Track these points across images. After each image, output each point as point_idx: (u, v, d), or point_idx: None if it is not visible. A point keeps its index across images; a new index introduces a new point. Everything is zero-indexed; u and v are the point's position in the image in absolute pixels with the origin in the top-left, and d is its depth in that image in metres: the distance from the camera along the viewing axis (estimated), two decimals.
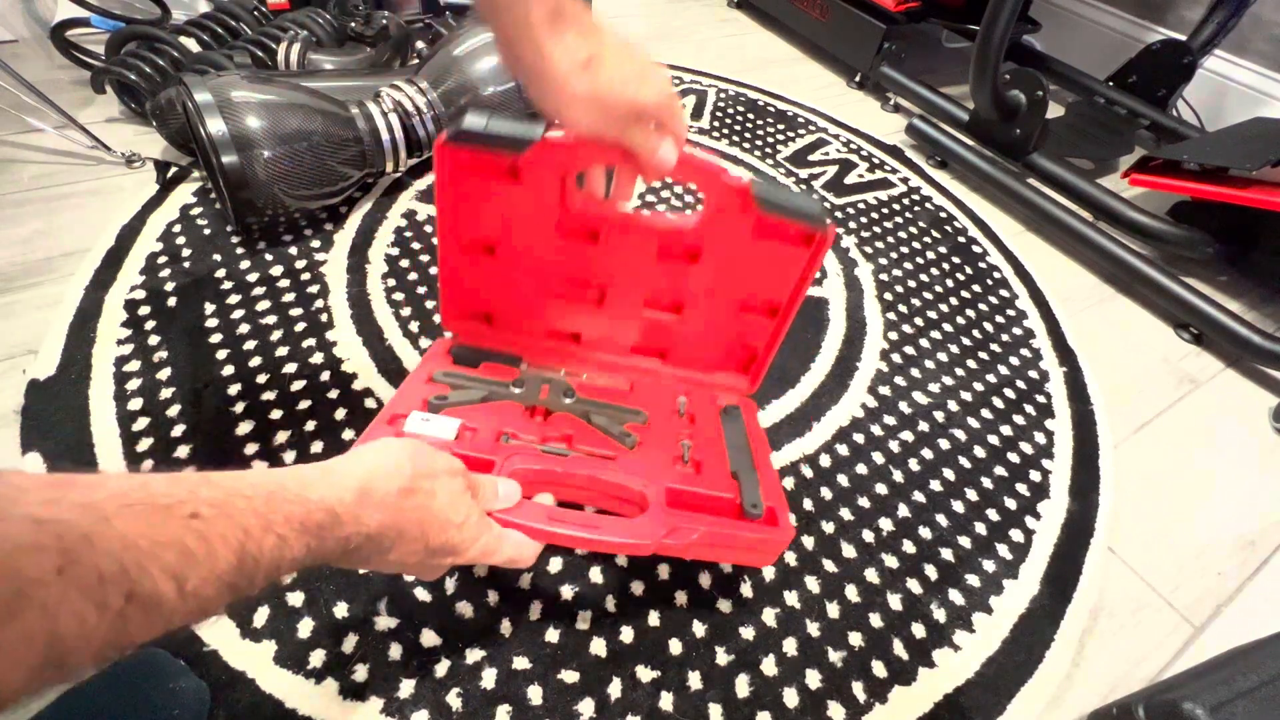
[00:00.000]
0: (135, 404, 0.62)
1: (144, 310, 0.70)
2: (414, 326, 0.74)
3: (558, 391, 0.54)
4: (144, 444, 0.59)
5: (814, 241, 0.50)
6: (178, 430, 0.60)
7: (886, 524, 0.64)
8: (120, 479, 0.24)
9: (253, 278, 0.75)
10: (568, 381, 0.55)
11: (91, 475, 0.24)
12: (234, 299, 0.73)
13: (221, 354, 0.67)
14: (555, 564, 0.56)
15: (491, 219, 0.51)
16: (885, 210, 1.05)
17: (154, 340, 0.67)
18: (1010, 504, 0.68)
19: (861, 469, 0.68)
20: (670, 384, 0.61)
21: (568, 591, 0.54)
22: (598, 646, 0.52)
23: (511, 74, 0.80)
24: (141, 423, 0.60)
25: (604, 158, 0.46)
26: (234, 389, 0.64)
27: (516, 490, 0.44)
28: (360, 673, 0.48)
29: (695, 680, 0.51)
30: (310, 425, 0.62)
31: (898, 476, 0.68)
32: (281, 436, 0.61)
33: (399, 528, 0.34)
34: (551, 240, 0.52)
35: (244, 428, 0.61)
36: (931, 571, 0.61)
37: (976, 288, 0.94)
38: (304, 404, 0.64)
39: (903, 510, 0.65)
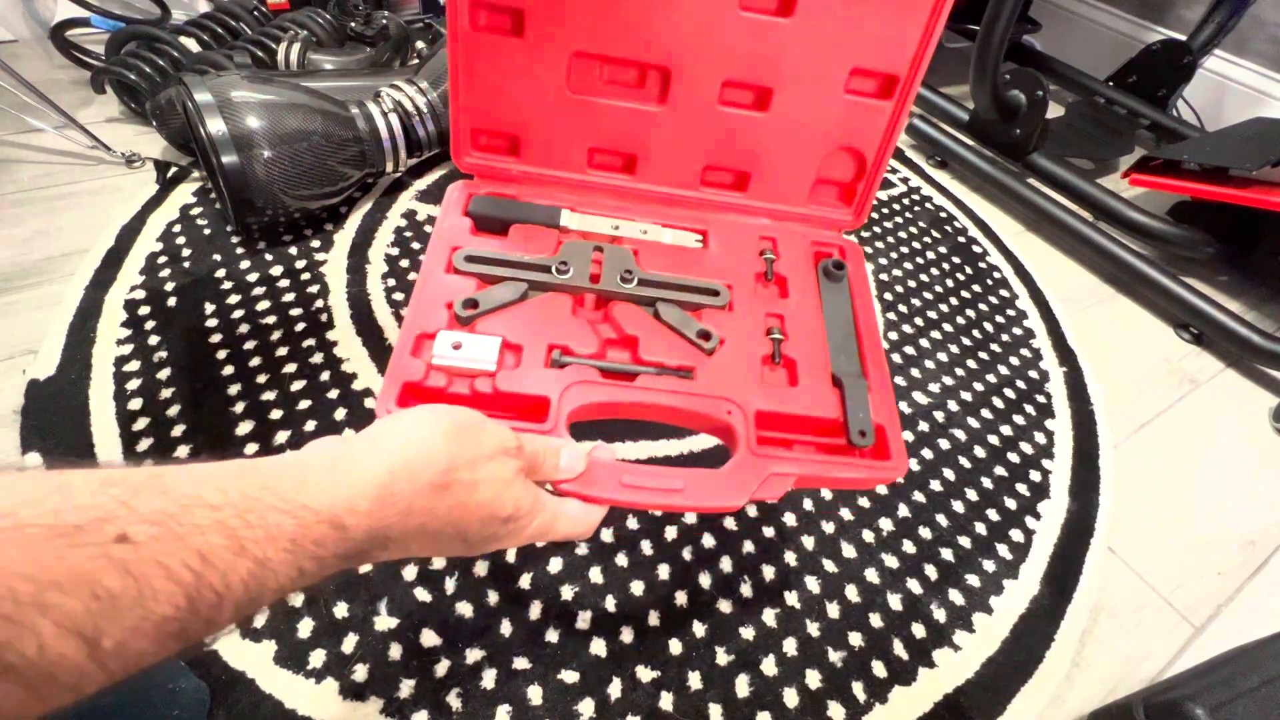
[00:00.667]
0: (135, 404, 0.62)
1: (144, 310, 0.70)
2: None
3: (613, 267, 0.44)
4: (144, 444, 0.59)
5: None
6: (178, 430, 0.60)
7: (886, 524, 0.64)
8: (29, 480, 0.18)
9: (253, 278, 0.75)
10: (624, 247, 0.45)
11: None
12: (234, 299, 0.73)
13: (221, 354, 0.67)
14: (555, 564, 0.56)
15: None
16: (885, 210, 1.05)
17: (154, 340, 0.67)
18: (1010, 504, 0.68)
19: None
20: (753, 226, 0.49)
21: (568, 592, 0.54)
22: (598, 646, 0.52)
23: None
24: (141, 423, 0.60)
25: None
26: (234, 389, 0.64)
27: (582, 459, 0.36)
28: (360, 673, 0.48)
29: (695, 680, 0.51)
30: (310, 425, 0.62)
31: None
32: (281, 436, 0.61)
33: (429, 530, 0.27)
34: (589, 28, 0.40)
35: (244, 428, 0.61)
36: (931, 571, 0.61)
37: (976, 288, 0.94)
38: (304, 404, 0.64)
39: (903, 510, 0.65)
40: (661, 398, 0.40)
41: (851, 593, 0.58)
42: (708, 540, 0.59)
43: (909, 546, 0.62)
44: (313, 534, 0.22)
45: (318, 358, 0.69)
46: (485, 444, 0.30)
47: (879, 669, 0.54)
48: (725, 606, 0.55)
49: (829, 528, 0.62)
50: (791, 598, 0.57)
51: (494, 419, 0.32)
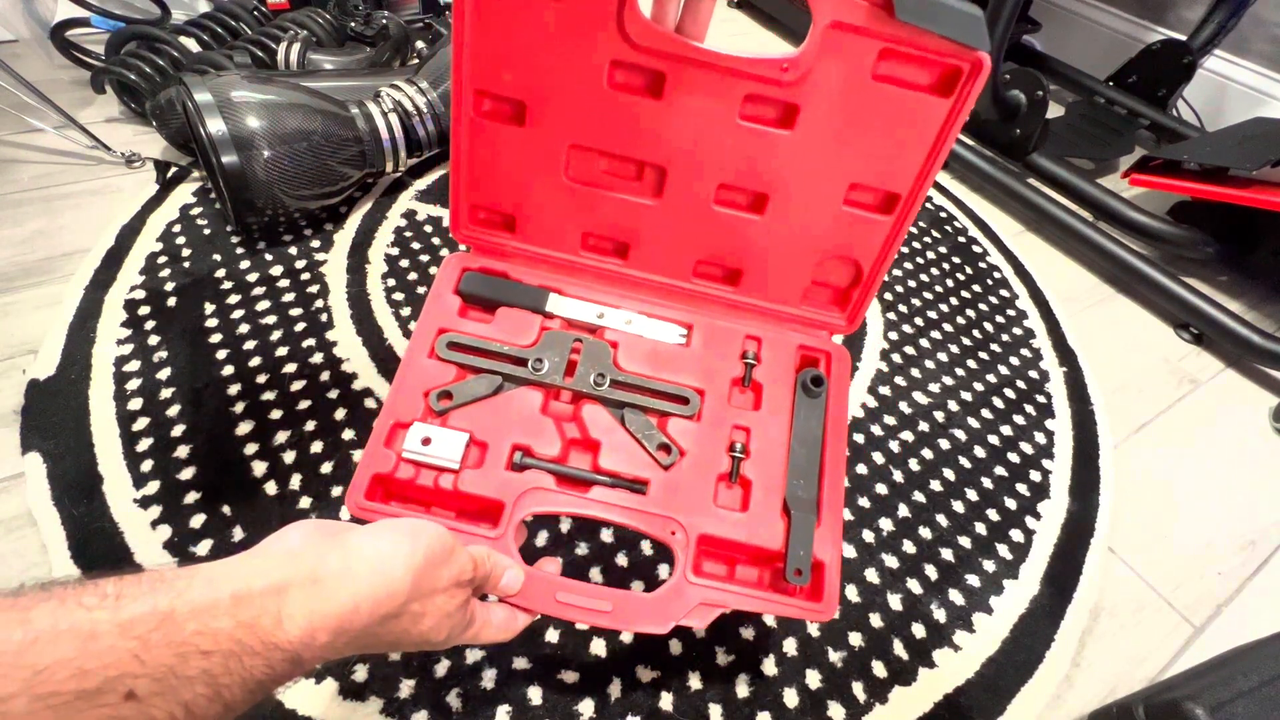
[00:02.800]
0: (135, 404, 0.62)
1: (144, 310, 0.70)
2: (414, 327, 0.73)
3: (589, 365, 0.45)
4: (144, 444, 0.59)
5: (959, 83, 0.37)
6: (178, 430, 0.60)
7: (886, 524, 0.64)
8: (62, 637, 0.20)
9: (253, 278, 0.75)
10: (603, 342, 0.46)
11: (18, 623, 0.20)
12: (234, 299, 0.73)
13: (221, 354, 0.67)
14: (555, 564, 0.56)
15: (523, 59, 0.40)
16: None
17: (154, 340, 0.67)
18: (1010, 504, 0.68)
19: (861, 469, 0.68)
20: (740, 323, 0.49)
21: None
22: (598, 646, 0.52)
23: None
24: (141, 423, 0.60)
25: None
26: (234, 389, 0.64)
27: (521, 580, 0.39)
28: (360, 673, 0.48)
29: (695, 680, 0.51)
30: (310, 425, 0.62)
31: (898, 476, 0.68)
32: (281, 436, 0.61)
33: (365, 648, 0.30)
34: (601, 93, 0.40)
35: (244, 428, 0.61)
36: (931, 571, 0.61)
37: (977, 288, 0.94)
38: (304, 404, 0.64)
39: (903, 510, 0.65)
40: (611, 512, 0.42)
41: (851, 593, 0.58)
42: None
43: (909, 546, 0.62)
44: (274, 672, 0.25)
45: (318, 358, 0.68)
46: (443, 578, 0.32)
47: (879, 669, 0.54)
48: None
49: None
50: None
51: (458, 543, 0.34)
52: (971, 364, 0.82)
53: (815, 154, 0.42)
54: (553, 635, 0.52)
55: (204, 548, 0.53)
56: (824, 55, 0.38)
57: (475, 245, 0.50)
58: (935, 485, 0.68)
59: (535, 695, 0.49)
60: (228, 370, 0.66)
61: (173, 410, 0.62)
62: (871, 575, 0.59)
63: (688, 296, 0.49)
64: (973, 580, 0.61)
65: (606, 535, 0.58)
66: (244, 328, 0.70)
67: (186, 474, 0.58)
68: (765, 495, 0.44)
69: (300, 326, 0.71)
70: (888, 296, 0.89)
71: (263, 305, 0.73)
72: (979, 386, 0.80)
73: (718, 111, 0.41)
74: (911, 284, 0.92)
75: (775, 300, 0.49)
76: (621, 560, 0.57)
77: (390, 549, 0.30)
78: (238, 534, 0.54)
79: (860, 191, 0.44)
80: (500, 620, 0.38)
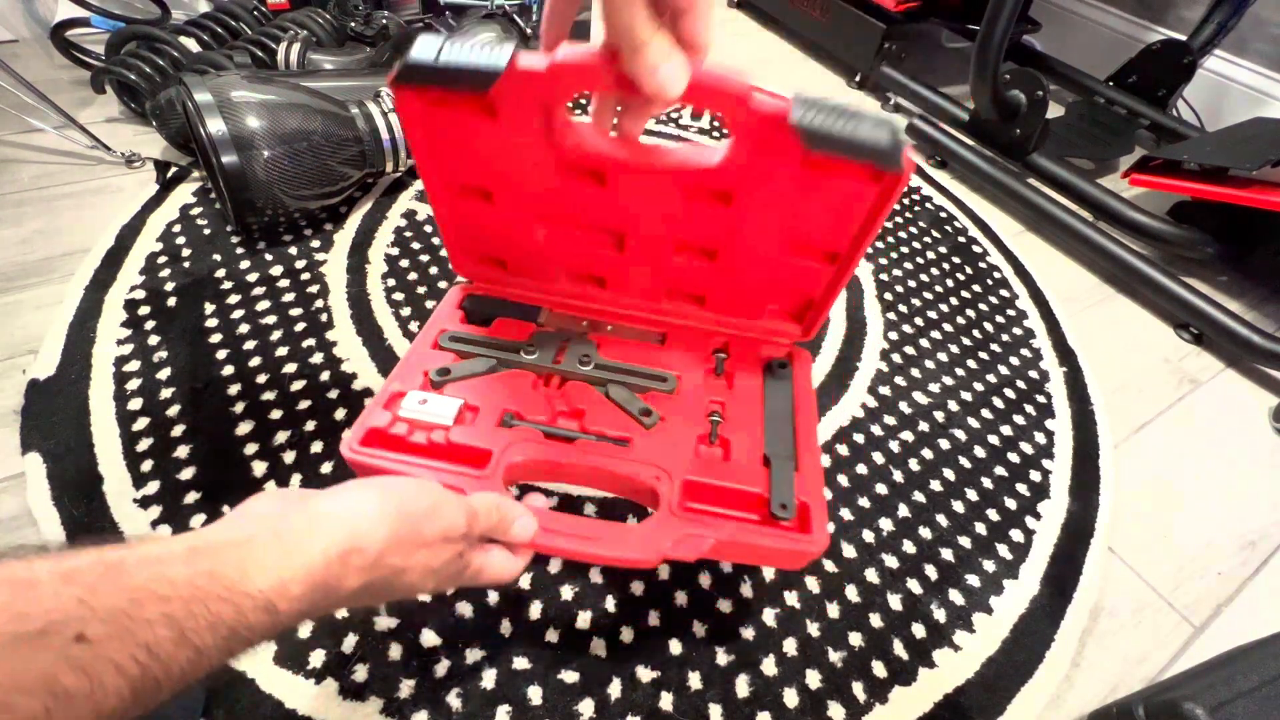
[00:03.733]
0: (135, 404, 0.62)
1: (144, 310, 0.70)
2: (414, 326, 0.74)
3: (576, 353, 0.49)
4: (144, 444, 0.59)
5: (885, 179, 0.38)
6: (178, 430, 0.60)
7: (886, 524, 0.64)
8: None
9: (253, 278, 0.75)
10: (589, 339, 0.50)
11: None
12: (234, 299, 0.73)
13: (221, 354, 0.67)
14: (555, 564, 0.56)
15: (475, 160, 0.43)
16: None
17: (154, 340, 0.67)
18: (1010, 504, 0.68)
19: (861, 469, 0.68)
20: (710, 333, 0.53)
21: (567, 592, 0.54)
22: (598, 646, 0.52)
23: None
24: (141, 423, 0.60)
25: (592, 82, 0.35)
26: (234, 389, 0.64)
27: (533, 528, 0.38)
28: (360, 673, 0.48)
29: (695, 680, 0.51)
30: (310, 425, 0.62)
31: (898, 476, 0.68)
32: (281, 436, 0.61)
33: (349, 604, 0.29)
34: (551, 182, 0.43)
35: (244, 428, 0.61)
36: (931, 571, 0.61)
37: (976, 288, 0.94)
38: (304, 404, 0.64)
39: (903, 510, 0.65)
40: (595, 459, 0.43)
41: (851, 593, 0.58)
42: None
43: (909, 546, 0.62)
44: (247, 620, 0.24)
45: (318, 358, 0.68)
46: (426, 532, 0.31)
47: (879, 669, 0.54)
48: (725, 606, 0.55)
49: (829, 528, 0.62)
50: (791, 598, 0.57)
51: (453, 497, 0.34)
52: (971, 364, 0.82)
53: (755, 223, 0.44)
54: (553, 635, 0.52)
55: None
56: (746, 161, 0.39)
57: (474, 277, 0.55)
58: (935, 485, 0.68)
59: (535, 695, 0.49)
60: (228, 370, 0.66)
61: (173, 410, 0.62)
62: (871, 575, 0.59)
63: (662, 313, 0.54)
64: (973, 580, 0.61)
65: None
66: (244, 328, 0.70)
67: (186, 474, 0.58)
68: (744, 451, 0.46)
69: (300, 326, 0.71)
70: (888, 296, 0.89)
71: (263, 305, 0.73)
72: (979, 386, 0.80)
73: (660, 192, 0.43)
74: (911, 284, 0.92)
75: (737, 316, 0.53)
76: None
77: (357, 504, 0.30)
78: None
79: (802, 247, 0.46)
80: (499, 561, 0.37)
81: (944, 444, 0.72)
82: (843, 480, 0.67)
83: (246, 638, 0.24)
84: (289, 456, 0.60)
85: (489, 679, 0.49)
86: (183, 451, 0.59)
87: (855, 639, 0.55)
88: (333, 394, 0.65)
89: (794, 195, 0.41)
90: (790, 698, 0.51)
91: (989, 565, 0.62)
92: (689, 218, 0.44)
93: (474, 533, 0.35)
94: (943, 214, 1.07)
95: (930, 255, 0.98)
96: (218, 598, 0.23)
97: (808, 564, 0.44)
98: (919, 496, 0.67)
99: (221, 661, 0.24)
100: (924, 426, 0.73)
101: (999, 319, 0.90)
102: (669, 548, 0.39)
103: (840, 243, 0.44)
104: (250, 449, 0.60)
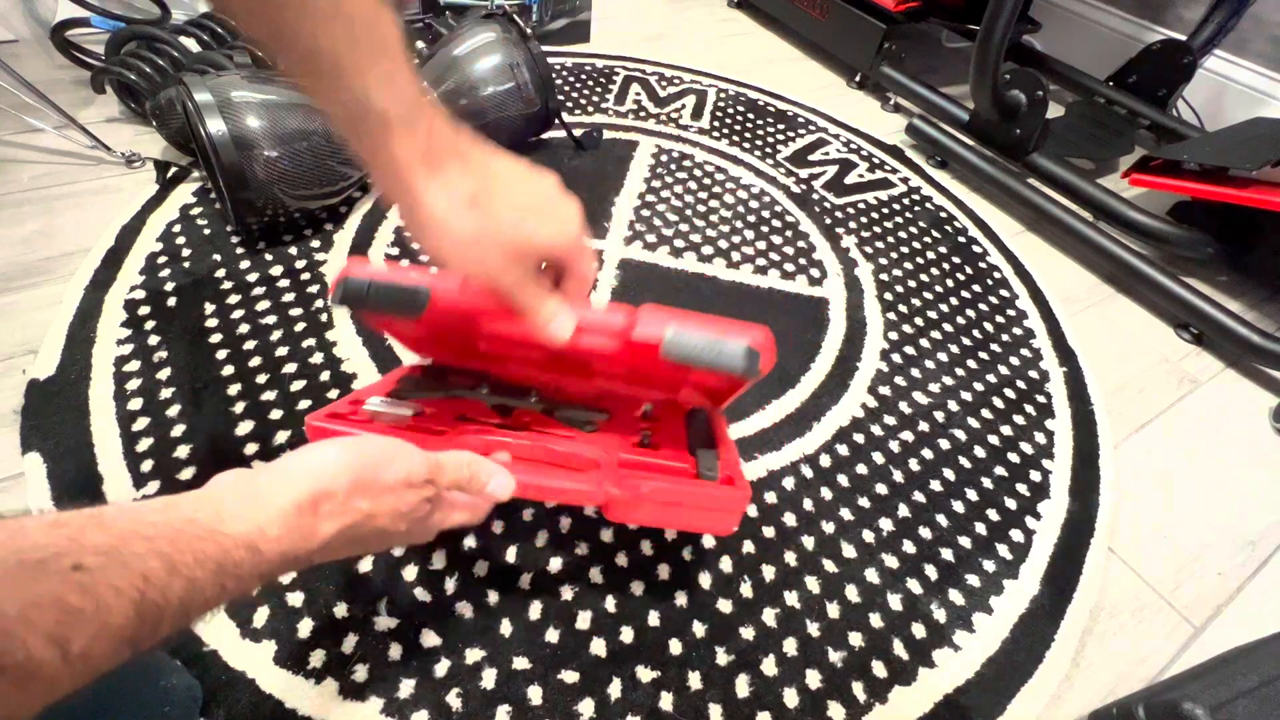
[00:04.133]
0: (135, 404, 0.62)
1: (144, 310, 0.70)
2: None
3: (524, 394, 0.54)
4: (144, 444, 0.59)
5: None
6: (178, 430, 0.60)
7: (886, 524, 0.64)
8: None
9: (253, 278, 0.75)
10: (535, 388, 0.55)
11: None
12: (234, 299, 0.73)
13: (221, 354, 0.67)
14: (555, 564, 0.56)
15: (415, 334, 0.52)
16: (885, 210, 1.05)
17: (154, 340, 0.67)
18: (1010, 504, 0.68)
19: (862, 469, 0.68)
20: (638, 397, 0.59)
21: (567, 592, 0.54)
22: (598, 646, 0.52)
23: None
24: (141, 423, 0.60)
25: (500, 315, 0.39)
26: (234, 389, 0.64)
27: (511, 486, 0.40)
28: (360, 673, 0.48)
29: (695, 680, 0.51)
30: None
31: (898, 476, 0.68)
32: (281, 437, 0.61)
33: (332, 548, 0.31)
34: (479, 355, 0.52)
35: (244, 428, 0.61)
36: (931, 571, 0.61)
37: (976, 288, 0.94)
38: (304, 404, 0.64)
39: (903, 510, 0.65)
40: (541, 439, 0.48)
41: (851, 593, 0.58)
42: (708, 540, 0.59)
43: (909, 546, 0.62)
44: (233, 557, 0.26)
45: (318, 358, 0.69)
46: (388, 477, 0.33)
47: (879, 669, 0.54)
48: (725, 606, 0.55)
49: (829, 528, 0.62)
50: (791, 598, 0.57)
51: (413, 448, 0.36)
52: (971, 364, 0.82)
53: (645, 383, 0.54)
54: (553, 635, 0.52)
55: None
56: (636, 359, 0.44)
57: (430, 355, 0.59)
58: (935, 485, 0.68)
59: (535, 695, 0.49)
60: (228, 370, 0.66)
61: (173, 410, 0.62)
62: (871, 575, 0.59)
63: (596, 389, 0.59)
64: (973, 580, 0.61)
65: (606, 535, 0.58)
66: (244, 328, 0.70)
67: (186, 474, 0.58)
68: (672, 447, 0.52)
69: (300, 326, 0.71)
70: (888, 296, 0.89)
71: (263, 305, 0.73)
72: (979, 386, 0.80)
73: (573, 361, 0.49)
74: (911, 284, 0.92)
75: (661, 391, 0.58)
76: (622, 560, 0.57)
77: (319, 457, 0.32)
78: None
79: (692, 392, 0.55)
80: (465, 502, 0.39)
81: (944, 444, 0.72)
82: (843, 480, 0.67)
83: (235, 574, 0.26)
84: None
85: (489, 679, 0.49)
86: (183, 451, 0.59)
87: (855, 639, 0.55)
88: (333, 394, 0.65)
89: (672, 374, 0.49)
90: (790, 698, 0.51)
91: (989, 565, 0.62)
92: (591, 376, 0.53)
93: (441, 482, 0.36)
94: (943, 214, 1.07)
95: (930, 255, 0.98)
96: (198, 537, 0.25)
97: (738, 522, 0.47)
98: (919, 496, 0.67)
99: (219, 599, 0.25)
100: (924, 426, 0.73)
101: (999, 319, 0.90)
102: (613, 488, 0.43)
103: (720, 398, 0.53)
104: (250, 449, 0.60)
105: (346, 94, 0.31)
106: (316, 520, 0.30)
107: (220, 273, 0.75)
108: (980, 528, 0.65)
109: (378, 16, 0.30)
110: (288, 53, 0.30)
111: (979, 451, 0.72)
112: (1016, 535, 0.65)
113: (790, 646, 0.54)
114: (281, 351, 0.68)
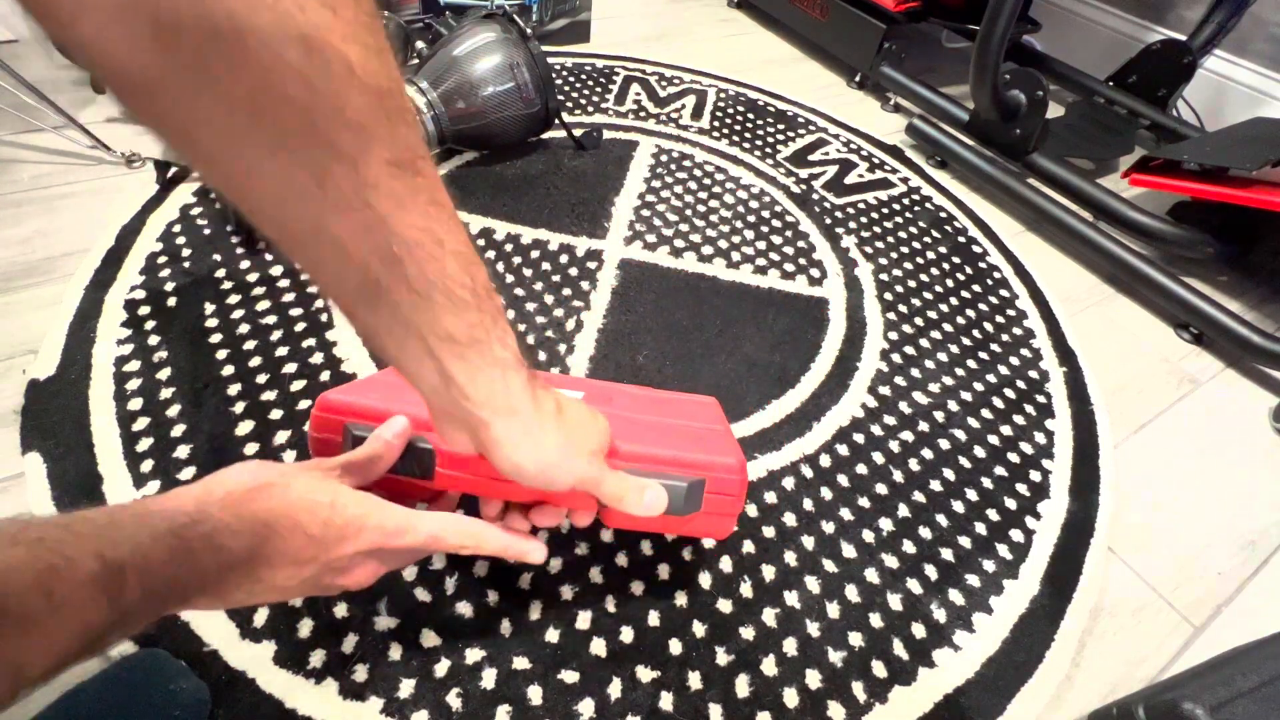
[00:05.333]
0: (135, 404, 0.62)
1: (144, 310, 0.70)
2: None
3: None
4: (144, 444, 0.59)
5: None
6: (178, 430, 0.60)
7: (886, 524, 0.64)
8: None
9: (253, 278, 0.75)
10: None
11: None
12: (234, 299, 0.73)
13: (221, 354, 0.67)
14: (555, 564, 0.56)
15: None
16: (885, 210, 1.06)
17: (154, 340, 0.67)
18: (1010, 504, 0.68)
19: (861, 469, 0.68)
20: None
21: (568, 592, 0.54)
22: (598, 646, 0.52)
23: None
24: (141, 423, 0.60)
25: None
26: (234, 389, 0.64)
27: (402, 424, 0.41)
28: (360, 673, 0.48)
29: (695, 680, 0.51)
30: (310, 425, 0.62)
31: (898, 476, 0.68)
32: (281, 436, 0.61)
33: (258, 535, 0.31)
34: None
35: (244, 428, 0.61)
36: (931, 571, 0.61)
37: (976, 288, 0.94)
38: (304, 404, 0.64)
39: (903, 510, 0.65)
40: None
41: (851, 593, 0.58)
42: (708, 540, 0.59)
43: (909, 546, 0.62)
44: (182, 505, 0.30)
45: (318, 358, 0.69)
46: (289, 468, 0.35)
47: (879, 669, 0.54)
48: (725, 606, 0.55)
49: (829, 528, 0.62)
50: (791, 598, 0.57)
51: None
52: (971, 364, 0.82)
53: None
54: (553, 635, 0.52)
55: None
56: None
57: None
58: (935, 485, 0.68)
59: (535, 695, 0.49)
60: (228, 370, 0.66)
61: (173, 410, 0.62)
62: (871, 575, 0.59)
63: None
64: (973, 580, 0.61)
65: (606, 535, 0.58)
66: (244, 328, 0.70)
67: (186, 474, 0.58)
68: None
69: (300, 326, 0.71)
70: (888, 296, 0.89)
71: (263, 305, 0.73)
72: (979, 386, 0.80)
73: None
74: (911, 284, 0.92)
75: None
76: (621, 560, 0.57)
77: (237, 468, 0.34)
78: None
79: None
80: (440, 518, 0.38)
81: (944, 444, 0.72)
82: (843, 480, 0.67)
83: (190, 531, 0.29)
84: (289, 457, 0.60)
85: (489, 679, 0.49)
86: (183, 451, 0.59)
87: (855, 639, 0.55)
88: None
89: None
90: (790, 698, 0.51)
91: (989, 565, 0.62)
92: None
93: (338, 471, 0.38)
94: (943, 214, 1.07)
95: (930, 255, 0.98)
96: (150, 505, 0.29)
97: (734, 524, 0.47)
98: (919, 496, 0.67)
99: (187, 544, 0.29)
100: (924, 426, 0.73)
101: (999, 319, 0.90)
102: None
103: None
104: (250, 449, 0.60)
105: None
106: (245, 502, 0.32)
107: (220, 273, 0.75)
108: (980, 528, 0.65)
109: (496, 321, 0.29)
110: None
111: (979, 451, 0.72)
112: (1016, 535, 0.65)
113: (790, 646, 0.54)
114: (281, 351, 0.68)
